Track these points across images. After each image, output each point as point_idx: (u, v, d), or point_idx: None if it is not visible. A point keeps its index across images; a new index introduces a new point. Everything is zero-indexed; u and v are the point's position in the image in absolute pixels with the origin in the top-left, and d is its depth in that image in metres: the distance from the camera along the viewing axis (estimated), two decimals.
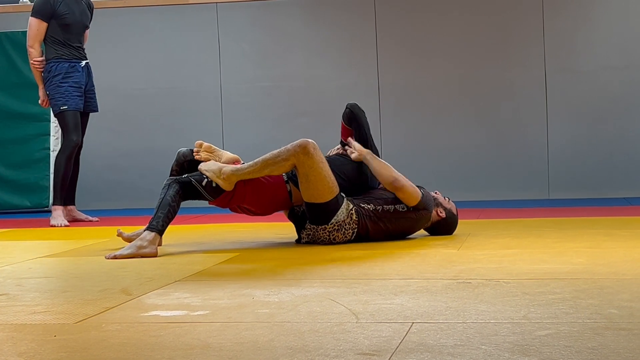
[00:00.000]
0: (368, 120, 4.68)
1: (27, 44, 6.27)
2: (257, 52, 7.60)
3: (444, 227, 4.67)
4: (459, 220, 4.75)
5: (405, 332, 2.33)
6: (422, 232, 4.69)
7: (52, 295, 3.15)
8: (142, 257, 4.08)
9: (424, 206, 4.51)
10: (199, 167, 4.36)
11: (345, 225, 4.35)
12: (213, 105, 7.62)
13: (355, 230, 4.37)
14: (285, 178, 4.44)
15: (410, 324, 2.44)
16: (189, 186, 4.31)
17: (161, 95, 7.61)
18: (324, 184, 4.27)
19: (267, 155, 4.33)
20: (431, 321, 2.48)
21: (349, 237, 4.38)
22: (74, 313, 2.76)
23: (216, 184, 4.30)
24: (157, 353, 2.21)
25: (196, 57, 7.63)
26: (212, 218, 5.92)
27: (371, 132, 4.69)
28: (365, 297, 2.87)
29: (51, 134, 7.43)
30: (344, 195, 4.39)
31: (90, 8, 6.48)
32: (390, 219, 4.43)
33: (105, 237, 5.01)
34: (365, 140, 4.62)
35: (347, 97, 7.36)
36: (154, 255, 4.12)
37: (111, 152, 7.69)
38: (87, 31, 6.46)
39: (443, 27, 7.36)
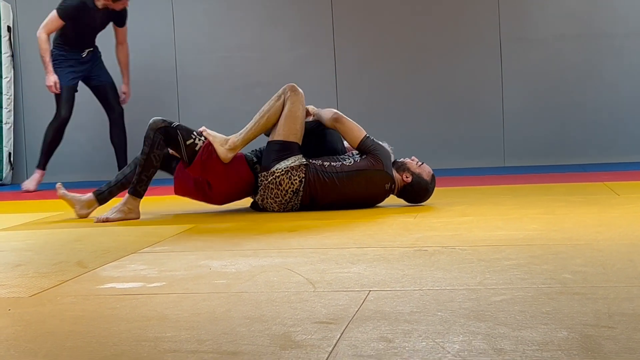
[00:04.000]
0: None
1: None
2: (211, 22, 7.54)
3: (411, 193, 4.58)
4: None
5: (362, 300, 2.33)
6: (388, 200, 4.64)
7: (6, 269, 3.11)
8: (128, 220, 4.41)
9: (370, 148, 4.54)
10: (204, 131, 4.55)
11: (293, 171, 4.45)
12: (168, 76, 7.56)
13: (303, 179, 4.45)
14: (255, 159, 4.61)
15: (367, 292, 2.45)
16: (173, 137, 4.46)
17: (116, 67, 7.53)
18: (293, 124, 4.52)
19: (263, 107, 4.61)
20: (388, 289, 2.49)
21: (296, 186, 4.45)
22: (28, 286, 2.74)
23: (200, 148, 4.47)
24: (114, 325, 2.20)
25: (150, 28, 7.55)
26: (168, 190, 5.89)
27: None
28: (323, 266, 2.88)
29: (4, 107, 7.33)
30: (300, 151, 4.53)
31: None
32: (340, 174, 4.47)
33: (60, 210, 4.96)
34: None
35: (303, 68, 7.39)
36: (138, 218, 4.45)
37: None
38: None
39: None
